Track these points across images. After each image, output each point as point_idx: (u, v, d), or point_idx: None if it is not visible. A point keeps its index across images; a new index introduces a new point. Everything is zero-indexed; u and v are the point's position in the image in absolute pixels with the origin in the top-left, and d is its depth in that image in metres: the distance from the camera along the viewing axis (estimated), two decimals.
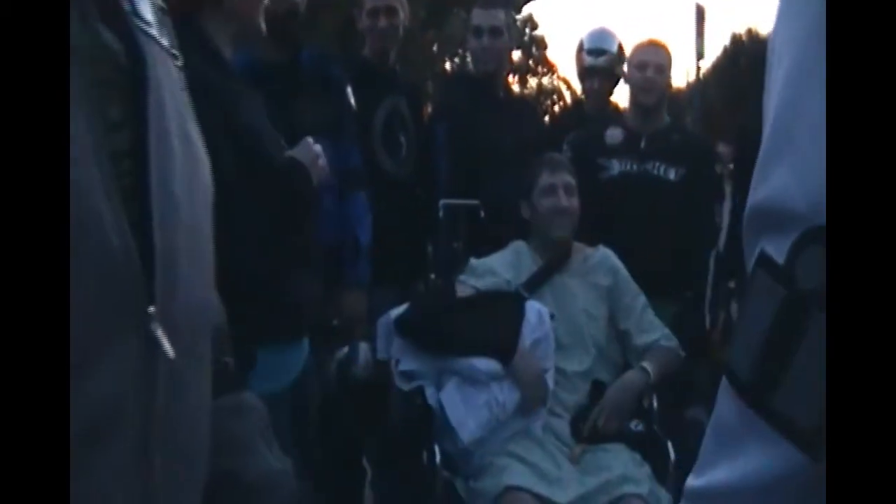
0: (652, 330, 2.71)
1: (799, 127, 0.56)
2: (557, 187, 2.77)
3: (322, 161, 2.02)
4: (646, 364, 2.62)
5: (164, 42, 0.76)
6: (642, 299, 2.76)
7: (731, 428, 0.57)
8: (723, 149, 5.12)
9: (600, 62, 3.80)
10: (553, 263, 2.76)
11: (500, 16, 3.59)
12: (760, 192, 0.57)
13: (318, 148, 2.02)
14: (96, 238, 0.61)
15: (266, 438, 0.89)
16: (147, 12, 0.75)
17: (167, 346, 0.66)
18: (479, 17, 3.52)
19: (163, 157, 0.70)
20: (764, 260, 0.55)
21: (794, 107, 0.57)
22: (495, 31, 3.49)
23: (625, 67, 3.57)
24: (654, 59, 3.37)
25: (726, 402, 0.57)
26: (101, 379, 0.62)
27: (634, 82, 3.38)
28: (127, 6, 0.72)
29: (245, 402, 0.89)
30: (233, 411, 0.86)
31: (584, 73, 3.87)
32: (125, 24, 0.71)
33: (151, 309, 0.65)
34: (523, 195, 2.83)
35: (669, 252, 3.20)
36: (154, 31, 0.75)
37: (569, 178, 2.81)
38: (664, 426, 2.63)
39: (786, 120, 0.57)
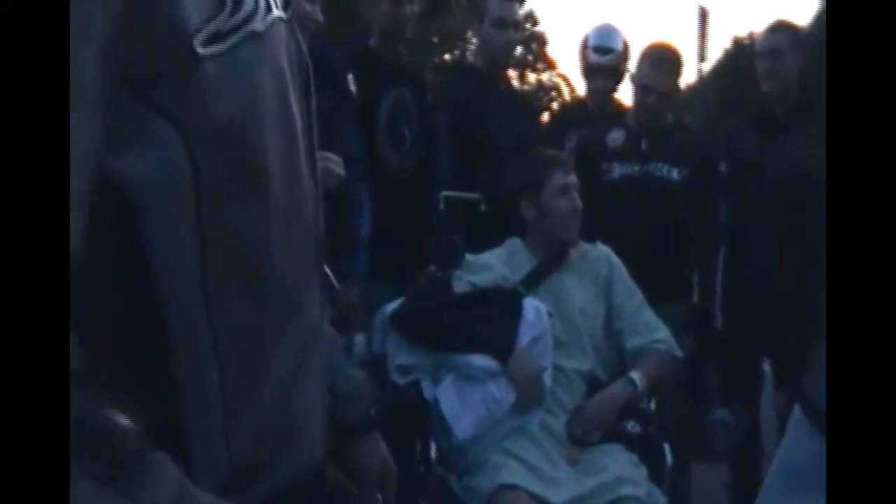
0: (646, 331, 2.66)
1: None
2: (571, 187, 2.72)
3: (327, 163, 1.99)
4: (634, 374, 2.54)
5: None
6: (638, 298, 2.72)
7: (808, 471, 0.52)
8: None
9: (605, 60, 3.75)
10: (551, 262, 2.72)
11: (517, 9, 3.56)
12: None
13: (323, 154, 2.00)
14: (305, 207, 0.83)
15: (343, 354, 1.09)
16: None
17: (334, 279, 0.94)
18: (503, 8, 3.44)
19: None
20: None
21: None
22: (517, 25, 3.46)
23: (630, 66, 3.54)
24: (664, 59, 3.33)
25: (804, 439, 0.53)
26: (307, 312, 0.84)
27: (643, 93, 3.33)
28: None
29: (328, 332, 1.02)
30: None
31: (589, 70, 3.82)
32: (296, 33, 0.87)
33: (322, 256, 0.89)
34: (527, 194, 2.76)
35: (675, 253, 3.17)
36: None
37: (575, 178, 2.77)
38: (662, 428, 2.60)
39: None
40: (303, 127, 0.84)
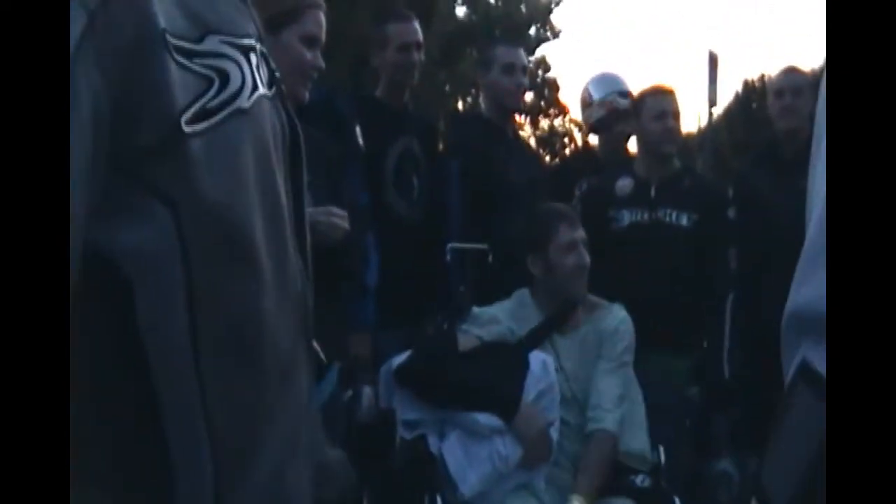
0: (594, 404, 2.54)
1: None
2: (578, 243, 2.67)
3: (330, 217, 1.99)
4: (575, 498, 2.39)
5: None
6: (613, 364, 2.60)
7: None
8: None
9: (628, 104, 3.74)
10: (558, 318, 2.68)
11: (524, 55, 3.58)
12: (801, 294, 0.53)
13: (326, 208, 2.02)
14: (293, 280, 0.84)
15: (322, 433, 1.05)
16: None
17: (322, 355, 0.95)
18: (510, 54, 3.47)
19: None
20: (805, 369, 0.50)
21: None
22: (525, 70, 3.47)
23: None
24: (671, 107, 3.33)
25: None
26: (299, 386, 0.85)
27: (653, 132, 3.32)
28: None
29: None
30: None
31: (613, 116, 3.79)
32: (288, 110, 0.88)
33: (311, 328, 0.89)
34: (533, 249, 2.72)
35: (685, 301, 3.14)
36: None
37: (583, 232, 2.72)
38: (673, 481, 2.56)
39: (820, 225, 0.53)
40: (289, 201, 0.85)
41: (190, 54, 0.72)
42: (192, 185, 0.71)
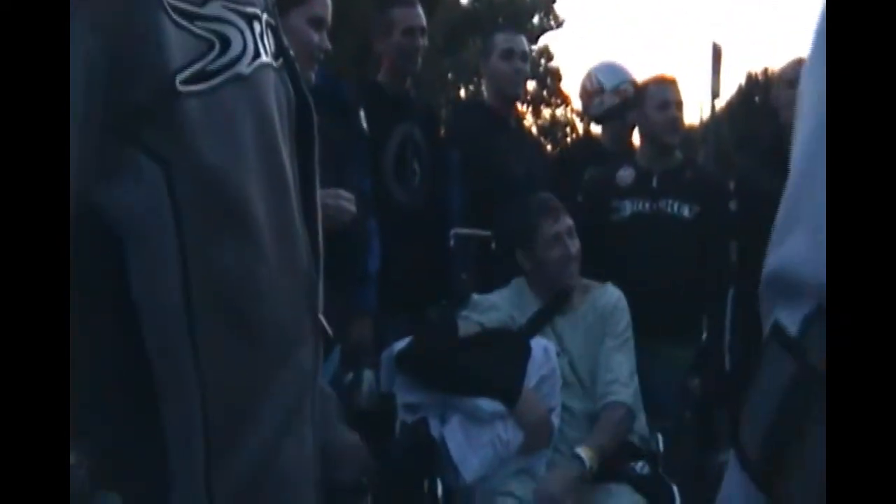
0: (608, 380, 2.55)
1: (813, 197, 0.54)
2: (562, 235, 2.69)
3: (338, 200, 2.00)
4: (581, 450, 2.41)
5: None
6: (620, 340, 2.62)
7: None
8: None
9: (632, 94, 3.73)
10: (555, 304, 2.69)
11: (525, 41, 3.58)
12: (775, 257, 0.55)
13: (335, 191, 2.02)
14: (298, 253, 0.84)
15: (340, 419, 1.07)
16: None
17: (329, 329, 0.93)
18: (509, 40, 3.47)
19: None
20: (777, 330, 0.52)
21: (811, 176, 0.54)
22: (524, 56, 3.47)
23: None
24: (674, 97, 3.33)
25: (734, 479, 0.53)
26: (300, 360, 0.84)
27: (657, 121, 3.33)
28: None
29: (322, 388, 1.03)
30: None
31: (627, 105, 3.77)
32: (299, 83, 0.90)
33: (318, 305, 0.88)
34: (521, 244, 2.73)
35: (685, 292, 3.15)
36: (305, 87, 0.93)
37: (569, 221, 2.73)
38: (671, 470, 2.57)
39: (802, 188, 0.55)
40: (297, 175, 0.85)
41: (191, 17, 0.73)
42: (186, 146, 0.71)
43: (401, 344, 2.55)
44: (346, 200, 2.09)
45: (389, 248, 2.90)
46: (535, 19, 16.90)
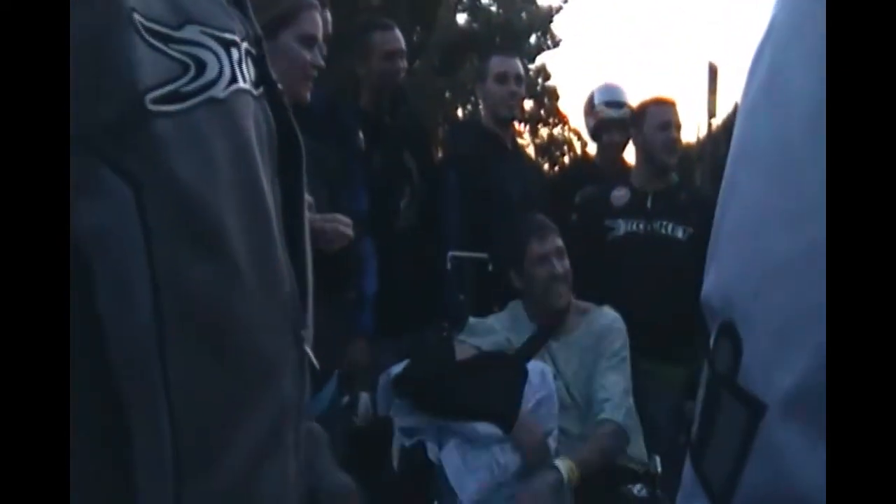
0: (598, 399, 2.55)
1: (724, 222, 0.58)
2: (550, 255, 2.70)
3: (336, 225, 2.00)
4: (559, 462, 2.38)
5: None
6: (613, 360, 2.62)
7: (684, 484, 0.60)
8: None
9: (619, 115, 3.78)
10: (550, 326, 2.70)
11: (520, 64, 3.61)
12: (706, 284, 0.61)
13: (332, 215, 2.02)
14: (280, 282, 0.81)
15: (330, 460, 1.04)
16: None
17: (314, 358, 0.88)
18: (502, 64, 3.52)
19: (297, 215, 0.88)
20: (710, 363, 0.58)
21: (725, 199, 0.58)
22: (519, 79, 3.50)
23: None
24: (673, 118, 3.35)
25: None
26: (281, 390, 0.81)
27: (655, 142, 3.34)
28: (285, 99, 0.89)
29: (310, 427, 1.01)
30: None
31: (602, 126, 3.84)
32: (284, 114, 0.87)
33: (304, 331, 0.86)
34: (512, 264, 2.75)
35: (679, 313, 3.15)
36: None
37: (558, 241, 2.73)
38: (669, 492, 2.56)
39: (719, 212, 0.59)
40: (278, 204, 0.83)
41: (166, 39, 0.72)
42: (157, 166, 0.69)
43: (397, 368, 2.54)
44: (344, 225, 2.09)
45: (385, 270, 2.90)
46: (533, 39, 16.95)
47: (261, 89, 0.84)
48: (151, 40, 0.71)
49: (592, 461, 2.43)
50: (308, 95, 2.14)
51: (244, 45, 0.82)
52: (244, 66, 0.81)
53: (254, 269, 0.77)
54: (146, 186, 0.69)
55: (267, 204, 0.80)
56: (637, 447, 2.60)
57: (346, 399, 2.69)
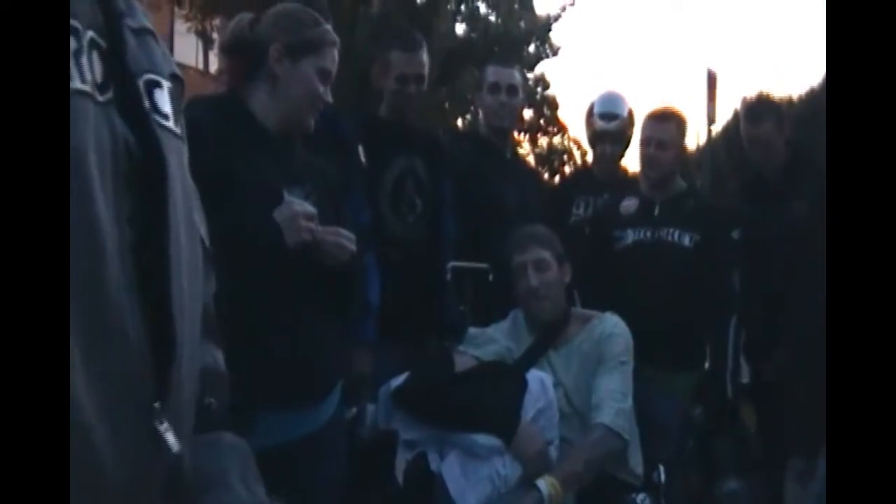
0: (596, 404, 2.51)
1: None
2: (527, 266, 2.68)
3: (304, 221, 2.01)
4: (540, 481, 2.32)
5: (178, 129, 0.78)
6: (611, 364, 2.59)
7: None
8: None
9: (612, 127, 3.78)
10: (549, 336, 2.69)
11: (515, 74, 3.61)
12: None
13: (300, 207, 2.02)
14: (115, 331, 0.65)
15: (244, 476, 0.88)
16: (165, 104, 0.76)
17: (172, 440, 0.69)
18: (496, 74, 3.52)
19: (175, 253, 0.73)
20: None
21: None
22: (512, 89, 3.50)
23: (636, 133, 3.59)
24: (656, 134, 3.36)
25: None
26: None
27: (641, 156, 3.41)
28: (147, 103, 0.74)
29: (223, 439, 0.90)
30: (208, 445, 0.87)
31: (595, 137, 3.85)
32: (145, 122, 0.73)
33: (157, 404, 0.68)
34: (504, 276, 2.75)
35: (686, 321, 3.16)
36: (171, 123, 0.76)
37: (540, 253, 2.70)
38: (672, 500, 2.56)
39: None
40: (121, 227, 0.68)
41: None
42: None
43: (398, 380, 2.54)
44: (347, 240, 2.10)
45: (386, 281, 2.90)
46: (531, 48, 16.94)
47: (110, 94, 0.71)
48: None
49: (577, 473, 2.40)
50: (312, 125, 2.18)
51: (89, 33, 0.68)
52: (84, 60, 0.67)
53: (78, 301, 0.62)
54: None
55: (101, 230, 0.66)
56: (636, 457, 2.58)
57: (352, 412, 2.69)
